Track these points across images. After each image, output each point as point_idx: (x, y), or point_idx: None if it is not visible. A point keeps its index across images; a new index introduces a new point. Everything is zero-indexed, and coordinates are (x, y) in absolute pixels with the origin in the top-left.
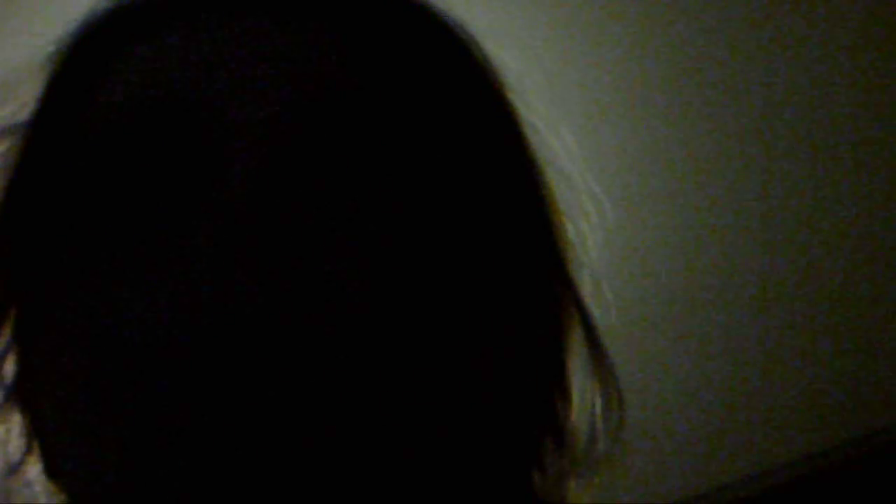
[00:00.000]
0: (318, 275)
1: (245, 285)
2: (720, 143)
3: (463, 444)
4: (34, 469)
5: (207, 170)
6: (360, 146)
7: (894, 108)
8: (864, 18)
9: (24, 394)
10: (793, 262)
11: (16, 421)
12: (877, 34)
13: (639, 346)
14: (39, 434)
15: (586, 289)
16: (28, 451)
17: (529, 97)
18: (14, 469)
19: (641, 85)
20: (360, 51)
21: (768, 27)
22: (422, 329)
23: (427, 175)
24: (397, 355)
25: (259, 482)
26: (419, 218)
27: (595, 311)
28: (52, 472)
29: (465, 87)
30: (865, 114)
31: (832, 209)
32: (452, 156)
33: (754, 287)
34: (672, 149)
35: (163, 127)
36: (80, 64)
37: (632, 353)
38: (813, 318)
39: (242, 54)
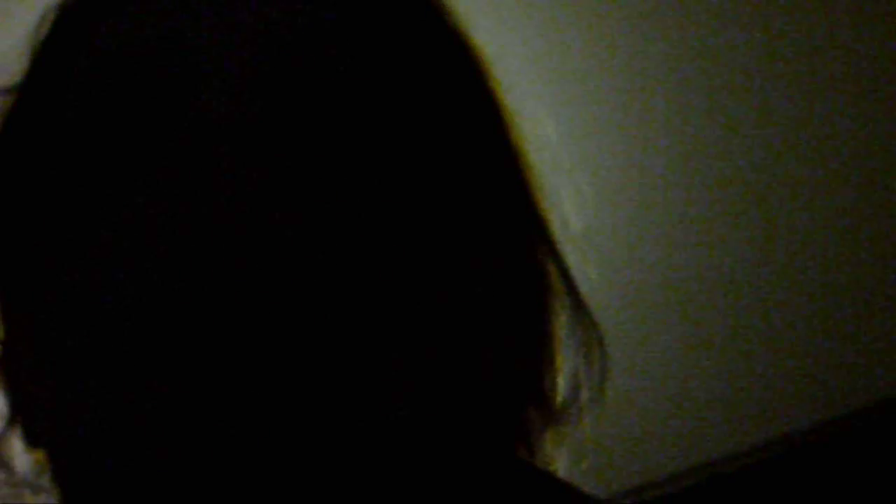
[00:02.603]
0: (296, 228)
1: (226, 249)
2: (704, 126)
3: (446, 415)
4: (17, 439)
5: (185, 114)
6: (340, 110)
7: (894, 108)
8: (864, 18)
9: (6, 365)
10: (780, 229)
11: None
12: (877, 34)
13: (623, 317)
14: (21, 403)
15: (570, 256)
16: (11, 421)
17: (508, 79)
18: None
19: (626, 70)
20: (342, 11)
21: (757, 15)
22: (405, 297)
23: (406, 139)
24: (381, 323)
25: (236, 450)
26: (399, 181)
27: (580, 280)
28: (33, 440)
29: (441, 59)
30: (865, 114)
31: (824, 192)
32: (431, 124)
33: (739, 256)
34: (656, 137)
35: (146, 75)
36: (64, 27)
37: (616, 323)
38: (800, 291)
39: (221, 9)
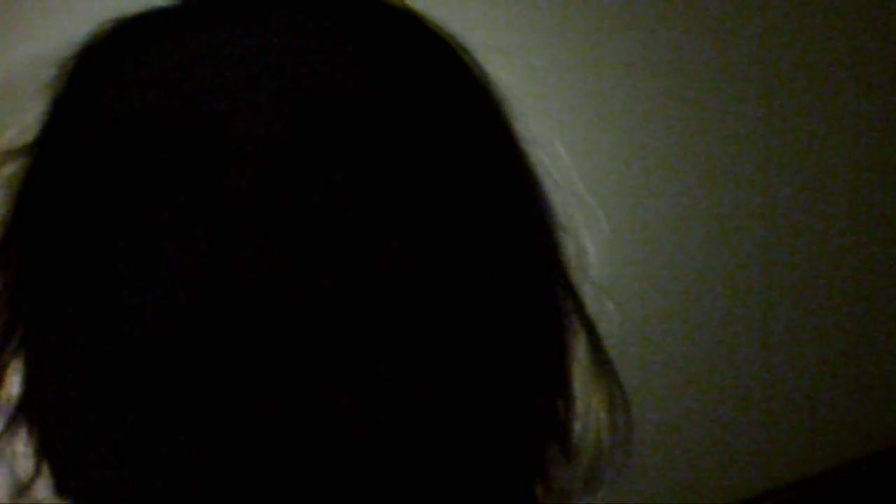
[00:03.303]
0: (317, 279)
1: (247, 288)
2: (716, 151)
3: (465, 451)
4: (43, 489)
5: (208, 178)
6: (359, 155)
7: (894, 108)
8: (864, 19)
9: (31, 411)
10: (795, 268)
11: (23, 441)
12: (877, 34)
13: (643, 355)
14: (48, 451)
15: (588, 297)
16: (37, 470)
17: (523, 109)
18: (23, 489)
19: (635, 94)
20: (356, 61)
21: (766, 34)
22: (424, 336)
23: (425, 184)
24: (399, 361)
25: (267, 486)
26: (418, 225)
27: (598, 320)
28: (61, 489)
29: (460, 100)
30: (865, 114)
31: (833, 213)
32: (449, 165)
33: (758, 293)
34: (667, 157)
35: (164, 138)
36: (82, 79)
37: (636, 361)
38: (819, 324)
39: (242, 64)
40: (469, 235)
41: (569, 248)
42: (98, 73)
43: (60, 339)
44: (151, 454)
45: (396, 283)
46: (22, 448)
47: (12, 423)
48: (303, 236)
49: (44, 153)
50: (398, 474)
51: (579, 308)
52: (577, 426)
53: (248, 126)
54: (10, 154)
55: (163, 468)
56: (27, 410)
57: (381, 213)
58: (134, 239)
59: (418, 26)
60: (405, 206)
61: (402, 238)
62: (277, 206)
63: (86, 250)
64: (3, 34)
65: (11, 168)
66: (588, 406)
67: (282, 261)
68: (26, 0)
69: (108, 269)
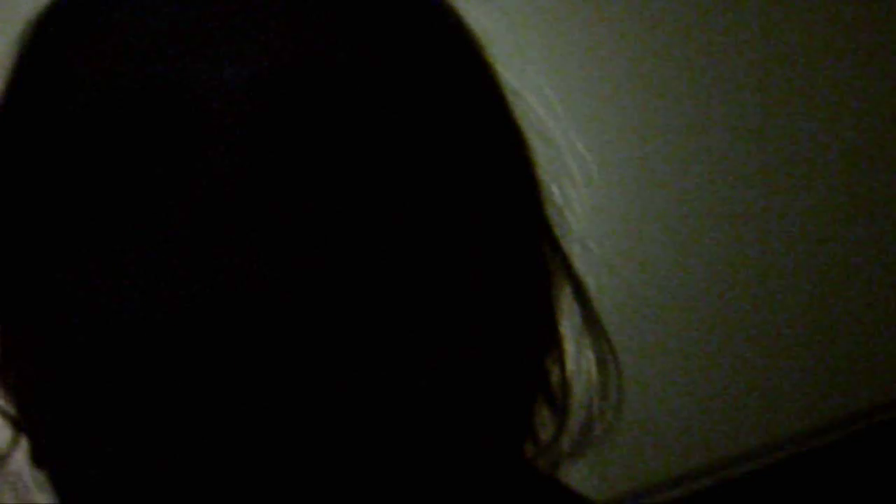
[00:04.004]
0: (302, 250)
1: (229, 263)
2: (715, 102)
3: (454, 411)
4: (22, 458)
5: (186, 145)
6: (341, 115)
7: (894, 108)
8: (864, 19)
9: (8, 381)
10: (788, 220)
11: (1, 410)
12: (877, 34)
13: (632, 311)
14: (26, 422)
15: (575, 251)
16: (15, 440)
17: (512, 60)
18: (3, 458)
19: (629, 45)
20: (338, 18)
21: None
22: (409, 294)
23: (408, 141)
24: (385, 322)
25: (249, 466)
26: (402, 185)
27: (586, 276)
28: (39, 460)
29: (443, 51)
30: (865, 114)
31: (828, 170)
32: (433, 122)
33: (749, 246)
34: (662, 106)
35: (135, 111)
36: (44, 48)
37: (625, 316)
38: (810, 292)
39: (214, 28)
40: (453, 194)
41: (555, 201)
42: (62, 39)
43: (35, 308)
44: (128, 429)
45: (382, 247)
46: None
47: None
48: (288, 225)
49: (7, 131)
50: (386, 436)
51: (567, 264)
52: (566, 384)
53: (228, 102)
54: None
55: (140, 444)
56: (4, 380)
57: (364, 181)
58: (106, 224)
59: None
60: (389, 172)
61: (387, 203)
62: (260, 193)
63: (52, 236)
64: None
65: None
66: (577, 364)
67: (266, 252)
68: None
69: (82, 240)
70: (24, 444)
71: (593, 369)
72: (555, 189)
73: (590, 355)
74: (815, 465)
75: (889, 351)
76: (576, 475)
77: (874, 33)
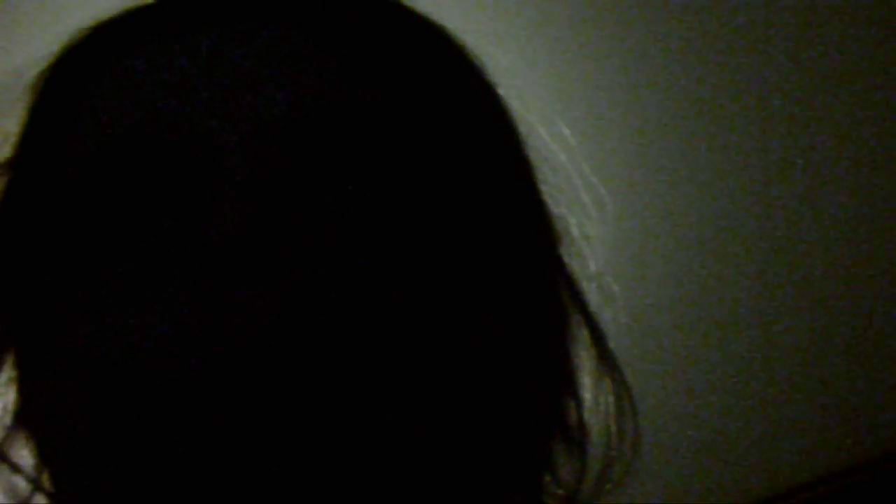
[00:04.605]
0: (316, 289)
1: (244, 303)
2: (722, 134)
3: (471, 450)
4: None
5: (199, 190)
6: (353, 156)
7: (894, 108)
8: (864, 19)
9: (28, 424)
10: (800, 253)
11: (22, 455)
12: (877, 34)
13: (647, 344)
14: (46, 463)
15: (591, 287)
16: (37, 485)
17: (523, 93)
18: (24, 501)
19: (640, 76)
20: (347, 59)
21: (768, 23)
22: (424, 332)
23: (421, 180)
24: (399, 360)
25: (254, 487)
26: (416, 224)
27: (601, 310)
28: (61, 501)
29: (452, 90)
30: (866, 113)
31: (839, 207)
32: (446, 158)
33: (764, 282)
34: (673, 140)
35: (150, 149)
36: (61, 90)
37: (640, 350)
38: (825, 316)
39: (227, 69)
40: (467, 233)
41: (570, 236)
42: (76, 85)
43: (51, 354)
44: (149, 470)
45: (398, 288)
46: (20, 460)
47: (10, 433)
48: (300, 269)
49: (22, 174)
50: (404, 474)
51: (581, 302)
52: (583, 422)
53: (237, 129)
54: None
55: (160, 484)
56: (24, 421)
57: (379, 225)
58: (120, 266)
59: (405, 17)
60: (403, 211)
61: (402, 245)
62: (272, 238)
63: (75, 264)
64: None
65: None
66: (593, 401)
67: (278, 297)
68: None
69: (99, 282)
70: (44, 486)
71: (610, 407)
72: (571, 222)
73: (606, 393)
74: None
75: None
76: None
77: (877, 33)
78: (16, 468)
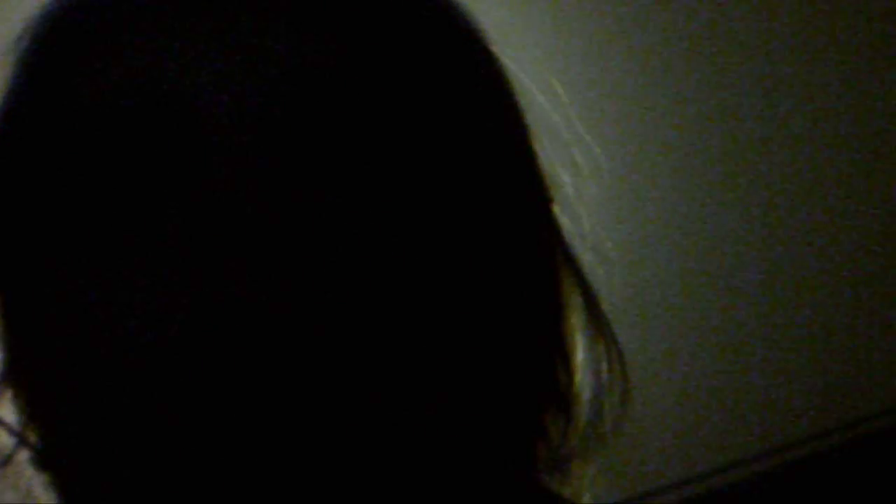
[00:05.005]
0: (306, 263)
1: (234, 271)
2: (717, 94)
3: (465, 415)
4: (26, 460)
5: (189, 160)
6: (346, 119)
7: (894, 108)
8: (864, 18)
9: (14, 382)
10: (799, 217)
11: (7, 411)
12: (877, 34)
13: (640, 305)
14: (31, 423)
15: (585, 246)
16: (20, 441)
17: (518, 52)
18: (6, 460)
19: (635, 35)
20: (339, 20)
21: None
22: (417, 301)
23: (414, 142)
24: (392, 327)
25: (249, 468)
26: (408, 186)
27: (595, 269)
28: (43, 462)
29: (449, 48)
30: (865, 113)
31: (839, 162)
32: (439, 118)
33: (760, 244)
34: (669, 101)
35: (141, 121)
36: (46, 54)
37: (632, 319)
38: (815, 298)
39: (221, 34)
40: (460, 193)
41: (564, 195)
42: (65, 46)
43: (39, 315)
44: (132, 433)
45: (389, 249)
46: (5, 418)
47: None
48: (290, 233)
49: (8, 137)
50: (397, 440)
51: (574, 262)
52: (575, 386)
53: (231, 109)
54: None
55: (143, 446)
56: (11, 379)
57: (370, 185)
58: (112, 232)
59: None
60: (396, 171)
61: (393, 204)
62: (262, 202)
63: (58, 244)
64: None
65: None
66: (585, 366)
67: (271, 260)
68: None
69: (87, 248)
70: (28, 445)
71: (602, 371)
72: (564, 181)
73: (598, 357)
74: (821, 468)
75: (891, 355)
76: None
77: (878, 33)
78: (1, 423)
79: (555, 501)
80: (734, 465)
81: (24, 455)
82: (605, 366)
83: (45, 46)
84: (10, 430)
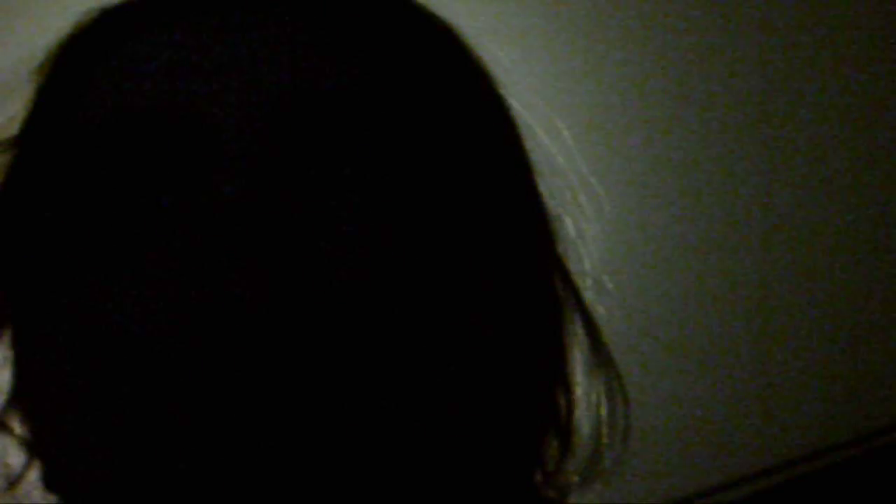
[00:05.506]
0: (308, 274)
1: (237, 286)
2: (720, 136)
3: (464, 444)
4: (34, 481)
5: (195, 173)
6: (348, 145)
7: (894, 108)
8: (864, 19)
9: (22, 404)
10: (793, 256)
11: (15, 433)
12: (877, 34)
13: (642, 343)
14: (39, 445)
15: (586, 284)
16: (28, 463)
17: (523, 93)
18: (14, 482)
19: (639, 79)
20: (346, 48)
21: (768, 23)
22: (418, 326)
23: (417, 171)
24: (393, 352)
25: (260, 488)
26: (411, 215)
27: (596, 308)
28: (51, 483)
29: (453, 84)
30: (865, 113)
31: (832, 204)
32: (441, 151)
33: (756, 282)
34: (671, 142)
35: (149, 135)
36: (66, 72)
37: (635, 349)
38: (814, 315)
39: (224, 57)
40: (464, 227)
41: (567, 235)
42: (82, 67)
43: (47, 334)
44: (141, 453)
45: (392, 279)
46: (15, 439)
47: (4, 414)
48: (294, 241)
49: (27, 151)
50: (397, 468)
51: (577, 297)
52: (576, 416)
53: (238, 123)
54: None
55: (151, 467)
56: (19, 402)
57: (374, 210)
58: (120, 239)
59: (407, 11)
60: (399, 200)
61: (397, 234)
62: (266, 212)
63: (70, 246)
64: None
65: None
66: (586, 396)
67: (272, 268)
68: None
69: (95, 265)
70: (36, 467)
71: (602, 400)
72: (567, 222)
73: (599, 386)
74: (819, 487)
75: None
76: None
77: (878, 33)
78: (15, 436)
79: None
80: (735, 485)
81: (33, 476)
82: (606, 395)
83: (64, 63)
84: (21, 448)
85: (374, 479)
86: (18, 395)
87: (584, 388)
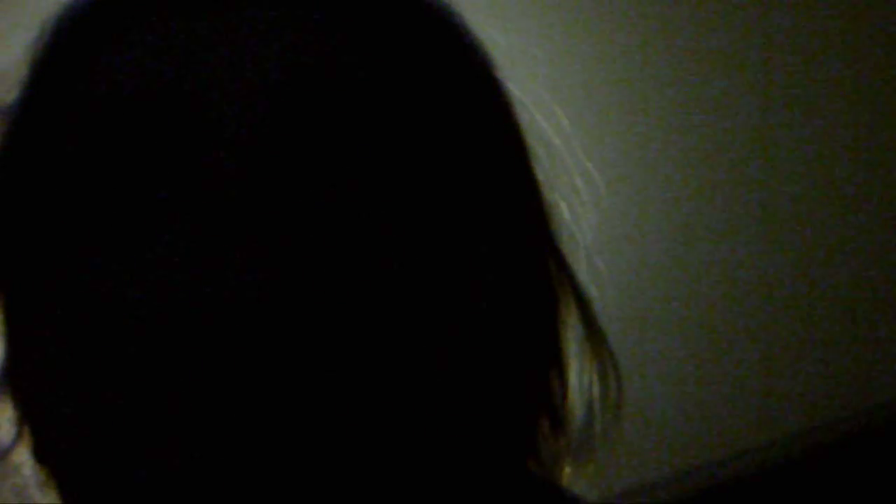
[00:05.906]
0: (308, 253)
1: (233, 264)
2: (716, 120)
3: (457, 425)
4: (24, 454)
5: (195, 154)
6: (346, 127)
7: (894, 108)
8: (864, 19)
9: (13, 378)
10: (787, 236)
11: (5, 407)
12: (877, 34)
13: (635, 325)
14: (29, 419)
15: (581, 267)
16: (18, 436)
17: (520, 75)
18: (3, 454)
19: (637, 64)
20: (344, 31)
21: (765, 18)
22: (414, 310)
23: (416, 155)
24: (389, 335)
25: (248, 463)
26: (408, 198)
27: (590, 290)
28: (41, 456)
29: (450, 68)
30: (865, 113)
31: (830, 191)
32: (439, 134)
33: (749, 265)
34: (667, 127)
35: (149, 117)
36: (65, 50)
37: (627, 331)
38: (807, 297)
39: (224, 41)
40: (460, 210)
41: (562, 218)
42: (82, 46)
43: (42, 308)
44: (130, 428)
45: (388, 259)
46: (5, 412)
47: None
48: (290, 226)
49: (24, 125)
50: (391, 450)
51: (571, 278)
52: (569, 397)
53: (239, 106)
54: None
55: (140, 442)
56: (9, 376)
57: (371, 192)
58: (116, 224)
59: None
60: (395, 183)
61: (393, 216)
62: (264, 195)
63: (67, 223)
64: None
65: None
66: (579, 376)
67: (268, 251)
68: None
69: (90, 243)
70: (26, 441)
71: (595, 381)
72: (563, 205)
73: (592, 367)
74: (808, 469)
75: (886, 351)
76: (576, 482)
77: (877, 33)
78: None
79: (545, 488)
80: (726, 464)
81: (22, 450)
82: (599, 379)
83: (58, 46)
84: (11, 421)
85: (369, 459)
86: (9, 369)
87: (577, 369)
